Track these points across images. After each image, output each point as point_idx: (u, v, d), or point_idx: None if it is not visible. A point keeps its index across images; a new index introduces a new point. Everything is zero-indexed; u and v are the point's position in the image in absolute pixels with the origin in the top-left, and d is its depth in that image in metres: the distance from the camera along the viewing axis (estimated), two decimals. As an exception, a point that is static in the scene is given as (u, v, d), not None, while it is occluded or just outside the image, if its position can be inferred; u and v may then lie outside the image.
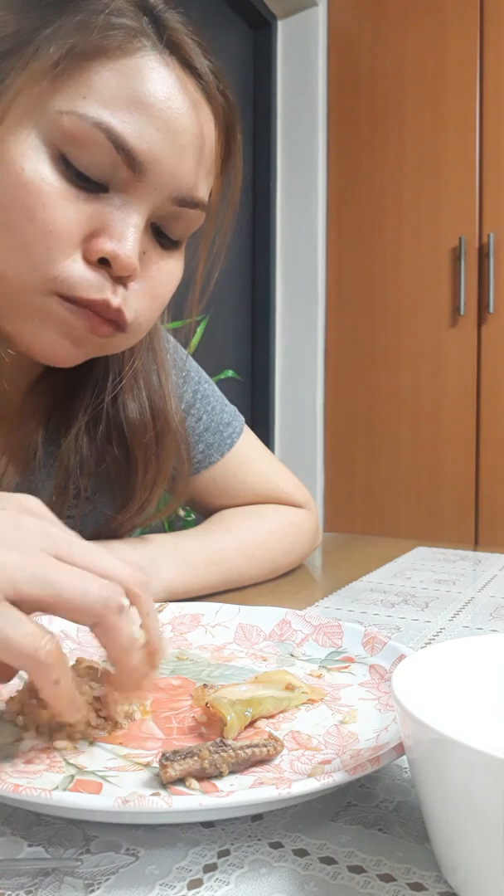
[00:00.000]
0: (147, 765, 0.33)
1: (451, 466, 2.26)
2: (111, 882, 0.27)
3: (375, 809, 0.32)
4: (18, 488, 0.64)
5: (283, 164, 2.52)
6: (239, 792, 0.28)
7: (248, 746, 0.32)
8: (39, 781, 0.32)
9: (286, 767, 0.33)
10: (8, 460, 0.63)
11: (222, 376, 1.86)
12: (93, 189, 0.49)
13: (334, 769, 0.30)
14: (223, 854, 0.28)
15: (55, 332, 0.51)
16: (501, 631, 0.59)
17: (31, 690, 0.38)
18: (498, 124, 2.18)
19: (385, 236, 2.36)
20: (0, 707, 0.39)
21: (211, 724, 0.37)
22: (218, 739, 0.33)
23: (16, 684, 0.41)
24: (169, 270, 0.55)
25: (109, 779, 0.32)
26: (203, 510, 0.81)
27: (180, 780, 0.31)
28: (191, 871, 0.27)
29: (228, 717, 0.35)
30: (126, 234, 0.49)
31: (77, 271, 0.49)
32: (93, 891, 0.26)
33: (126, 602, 0.35)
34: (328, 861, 0.28)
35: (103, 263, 0.49)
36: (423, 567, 0.83)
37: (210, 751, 0.31)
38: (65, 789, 0.31)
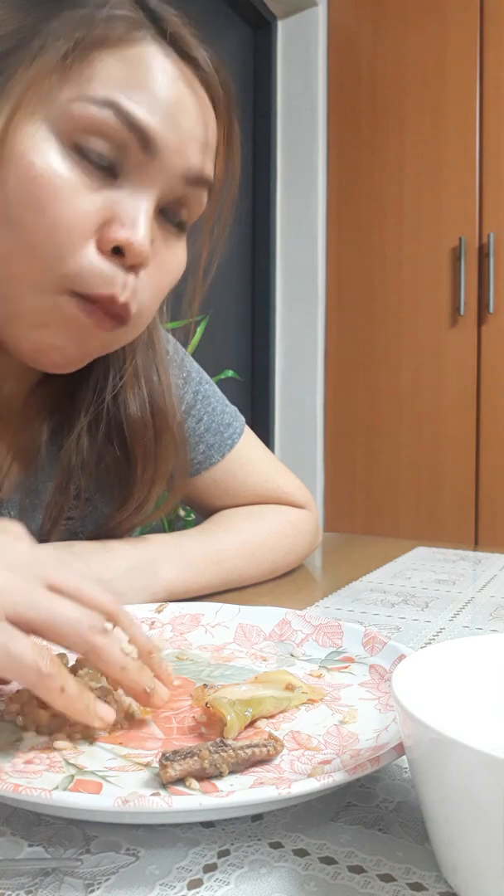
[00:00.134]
0: (147, 765, 0.33)
1: (451, 466, 2.26)
2: (111, 882, 0.27)
3: (375, 809, 0.32)
4: (20, 488, 0.64)
5: (283, 164, 2.52)
6: (239, 792, 0.28)
7: (248, 746, 0.32)
8: (39, 781, 0.32)
9: (286, 767, 0.33)
10: (12, 459, 0.63)
11: (222, 376, 1.86)
12: (103, 177, 0.49)
13: (334, 769, 0.30)
14: (223, 854, 0.28)
15: (61, 333, 0.51)
16: (501, 631, 0.59)
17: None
18: (498, 124, 2.18)
19: (385, 236, 2.36)
20: (0, 707, 0.39)
21: (211, 724, 0.37)
22: (218, 739, 0.33)
23: (16, 684, 0.41)
24: (175, 259, 0.56)
25: (109, 779, 0.32)
26: (203, 510, 0.81)
27: (180, 780, 0.31)
28: (191, 871, 0.27)
29: (228, 717, 0.35)
30: (138, 220, 0.50)
31: (90, 263, 0.49)
32: (93, 891, 0.26)
33: (109, 626, 0.37)
34: (328, 861, 0.28)
35: (116, 253, 0.50)
36: (423, 567, 0.83)
37: (210, 751, 0.31)
38: (65, 789, 0.31)
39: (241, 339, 2.51)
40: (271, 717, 0.38)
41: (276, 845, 0.29)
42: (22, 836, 0.29)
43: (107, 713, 0.36)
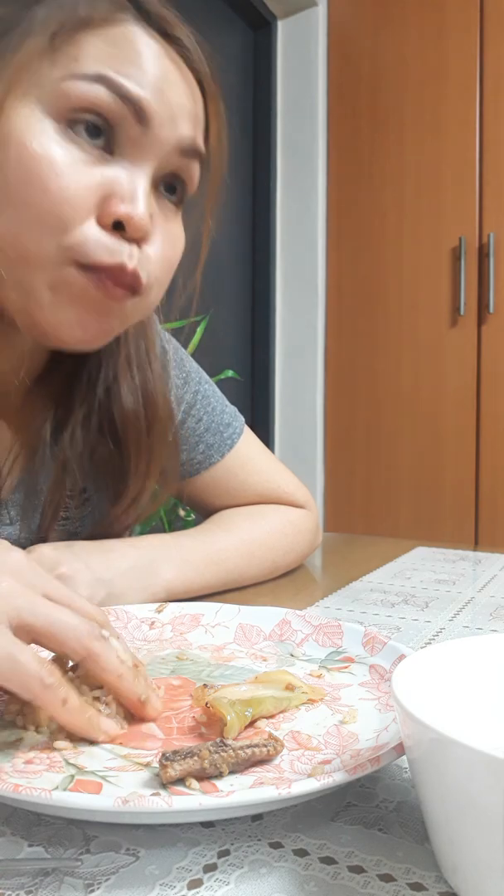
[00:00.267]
0: (147, 765, 0.33)
1: (451, 466, 2.26)
2: (111, 882, 0.27)
3: (375, 809, 0.32)
4: (21, 488, 0.64)
5: (283, 164, 2.52)
6: (239, 792, 0.28)
7: (248, 746, 0.32)
8: (39, 781, 0.32)
9: (286, 767, 0.33)
10: (14, 458, 0.63)
11: (222, 376, 1.86)
12: (99, 155, 0.50)
13: (334, 769, 0.30)
14: (223, 854, 0.28)
15: (75, 308, 0.51)
16: (501, 631, 0.59)
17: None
18: (498, 124, 2.18)
19: (385, 236, 2.36)
20: (0, 707, 0.39)
21: (211, 724, 0.37)
22: (218, 739, 0.33)
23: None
24: (175, 233, 0.56)
25: (109, 779, 0.32)
26: (203, 510, 0.81)
27: (180, 780, 0.31)
28: (191, 871, 0.27)
29: (228, 717, 0.35)
30: (136, 195, 0.50)
31: (93, 236, 0.49)
32: (93, 891, 0.26)
33: (106, 634, 0.38)
34: (328, 861, 0.28)
35: (117, 229, 0.50)
36: (423, 567, 0.83)
37: (210, 751, 0.31)
38: (65, 789, 0.31)
39: (241, 339, 2.51)
40: (271, 717, 0.38)
41: (276, 845, 0.29)
42: (22, 836, 0.29)
43: (110, 727, 0.36)
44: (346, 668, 0.45)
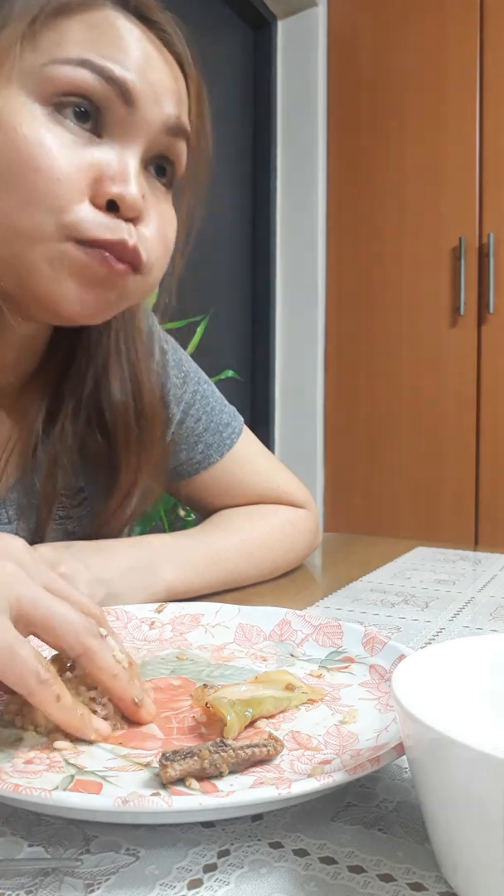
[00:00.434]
0: (147, 765, 0.33)
1: (451, 466, 2.26)
2: (111, 882, 0.27)
3: (375, 809, 0.32)
4: (18, 487, 0.64)
5: (283, 164, 2.52)
6: (239, 792, 0.28)
7: (248, 746, 0.32)
8: (39, 781, 0.32)
9: (286, 767, 0.33)
10: (9, 455, 0.63)
11: (222, 376, 1.86)
12: (88, 137, 0.50)
13: (334, 769, 0.30)
14: (223, 854, 0.28)
15: (76, 282, 0.51)
16: (501, 631, 0.59)
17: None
18: (498, 124, 2.18)
19: (385, 236, 2.36)
20: None
21: (211, 724, 0.37)
22: (218, 739, 0.33)
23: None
24: (167, 214, 0.56)
25: (109, 779, 0.32)
26: (203, 510, 0.81)
27: (180, 780, 0.31)
28: (191, 871, 0.27)
29: (228, 717, 0.35)
30: (127, 175, 0.51)
31: (90, 215, 0.50)
32: (93, 891, 0.26)
33: (104, 632, 0.38)
34: (328, 861, 0.28)
35: (111, 209, 0.50)
36: (423, 567, 0.83)
37: (210, 751, 0.31)
38: (65, 789, 0.31)
39: (241, 339, 2.51)
40: (271, 717, 0.38)
41: (276, 845, 0.29)
42: (22, 836, 0.29)
43: (102, 726, 0.36)
44: (346, 668, 0.45)
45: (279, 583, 0.75)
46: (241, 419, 0.82)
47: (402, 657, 0.43)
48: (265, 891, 0.26)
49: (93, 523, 0.68)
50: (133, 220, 0.52)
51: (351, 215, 2.43)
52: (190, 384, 0.76)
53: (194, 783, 0.31)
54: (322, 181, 2.47)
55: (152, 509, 1.53)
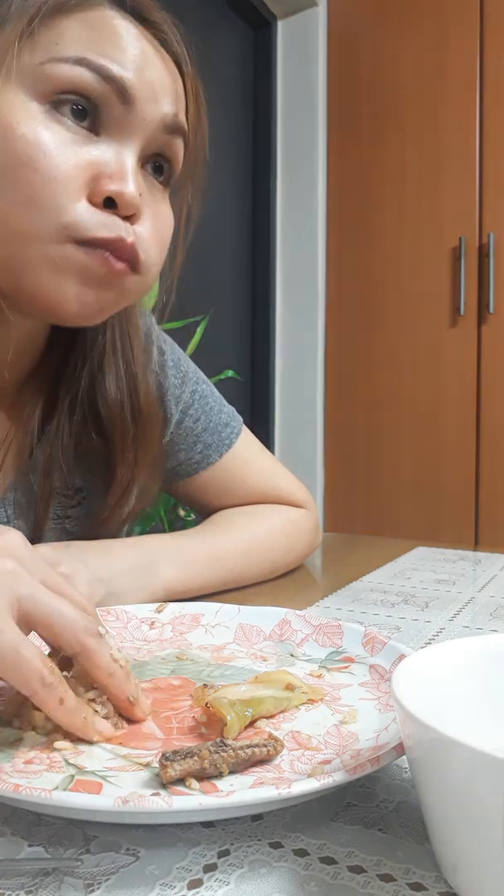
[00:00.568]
0: (147, 765, 0.33)
1: (451, 466, 2.26)
2: (111, 882, 0.27)
3: (375, 809, 0.32)
4: (16, 486, 0.64)
5: (283, 164, 2.52)
6: (239, 792, 0.28)
7: (248, 746, 0.32)
8: (39, 781, 0.32)
9: (286, 767, 0.33)
10: (7, 447, 0.63)
11: (222, 376, 1.86)
12: (85, 135, 0.51)
13: (334, 769, 0.30)
14: (223, 854, 0.28)
15: (75, 282, 0.51)
16: (501, 631, 0.59)
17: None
18: (498, 124, 2.18)
19: (385, 236, 2.36)
20: None
21: (211, 724, 0.37)
22: (218, 739, 0.33)
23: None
24: (164, 212, 0.57)
25: (109, 779, 0.32)
26: (203, 510, 0.81)
27: (180, 780, 0.31)
28: (191, 871, 0.27)
29: (228, 717, 0.35)
30: (125, 173, 0.51)
31: (87, 214, 0.50)
32: (93, 891, 0.26)
33: (102, 630, 0.38)
34: (328, 861, 0.28)
35: (108, 207, 0.50)
36: (423, 567, 0.83)
37: (210, 751, 0.31)
38: (65, 789, 0.31)
39: (241, 339, 2.51)
40: (271, 717, 0.38)
41: (276, 845, 0.29)
42: (22, 836, 0.29)
43: (105, 728, 0.36)
44: (346, 668, 0.45)
45: (279, 583, 0.75)
46: (241, 419, 0.82)
47: (402, 657, 0.43)
48: (265, 891, 0.26)
49: (91, 522, 0.68)
50: (130, 217, 0.52)
51: (351, 215, 2.43)
52: (188, 384, 0.76)
53: (194, 783, 0.31)
54: (322, 181, 2.47)
55: (152, 509, 1.54)
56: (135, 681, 0.39)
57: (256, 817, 0.31)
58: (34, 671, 0.33)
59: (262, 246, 2.53)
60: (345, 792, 0.33)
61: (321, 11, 2.45)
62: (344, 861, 0.28)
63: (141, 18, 0.53)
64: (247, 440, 0.81)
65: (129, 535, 0.74)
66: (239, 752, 0.32)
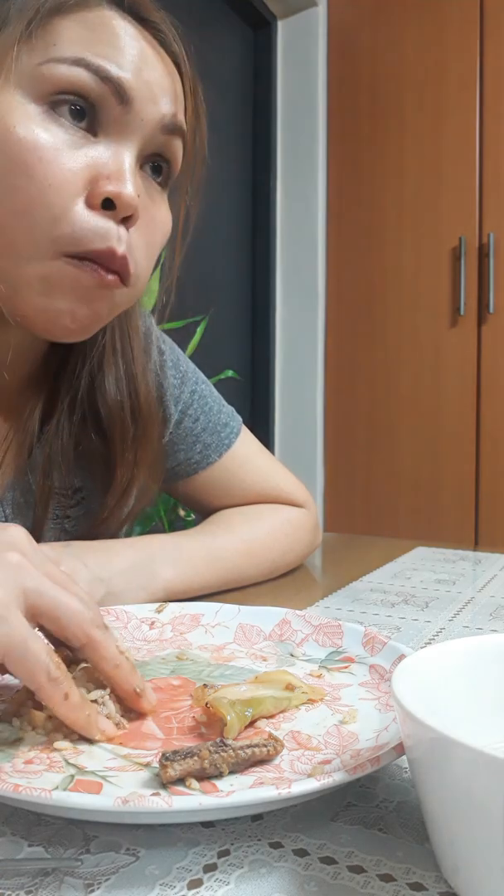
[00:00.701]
0: (147, 765, 0.33)
1: (451, 466, 2.26)
2: (111, 882, 0.27)
3: (375, 809, 0.32)
4: (15, 486, 0.64)
5: (283, 164, 2.52)
6: (239, 792, 0.28)
7: (248, 746, 0.32)
8: (39, 781, 0.32)
9: (286, 767, 0.33)
10: (6, 447, 0.63)
11: (222, 376, 1.86)
12: (83, 136, 0.50)
13: (334, 769, 0.30)
14: (223, 854, 0.28)
15: (67, 297, 0.51)
16: (501, 631, 0.59)
17: (28, 691, 0.38)
18: (498, 124, 2.18)
19: (385, 236, 2.37)
20: None
21: (211, 724, 0.37)
22: (218, 739, 0.33)
23: (13, 685, 0.41)
24: (161, 216, 0.57)
25: (109, 779, 0.32)
26: (202, 510, 0.81)
27: (180, 780, 0.31)
28: (191, 871, 0.27)
29: (228, 717, 0.35)
30: (123, 174, 0.51)
31: (81, 220, 0.50)
32: (93, 891, 0.26)
33: (108, 622, 0.38)
34: (328, 861, 0.28)
35: (106, 208, 0.50)
36: (423, 567, 0.83)
37: (210, 751, 0.31)
38: (65, 789, 0.31)
39: (241, 339, 2.51)
40: (271, 717, 0.38)
41: (276, 845, 0.29)
42: (22, 836, 0.29)
43: (108, 727, 0.36)
44: (346, 668, 0.45)
45: (279, 583, 0.75)
46: (240, 419, 0.82)
47: (402, 657, 0.43)
48: (265, 891, 0.26)
49: (90, 522, 0.68)
50: (128, 219, 0.52)
51: (351, 215, 2.43)
52: (188, 384, 0.76)
53: (194, 783, 0.31)
54: (322, 181, 2.47)
55: (152, 509, 1.53)
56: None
57: (256, 817, 0.31)
58: (41, 665, 0.33)
59: (262, 246, 2.53)
60: (345, 792, 0.33)
61: (321, 11, 2.45)
62: (344, 861, 0.28)
63: (139, 18, 0.53)
64: (246, 440, 0.81)
65: (128, 535, 0.74)
66: (239, 752, 0.32)
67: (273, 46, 2.51)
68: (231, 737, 0.35)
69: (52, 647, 0.35)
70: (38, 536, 0.64)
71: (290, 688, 0.40)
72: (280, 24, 2.52)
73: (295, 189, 2.50)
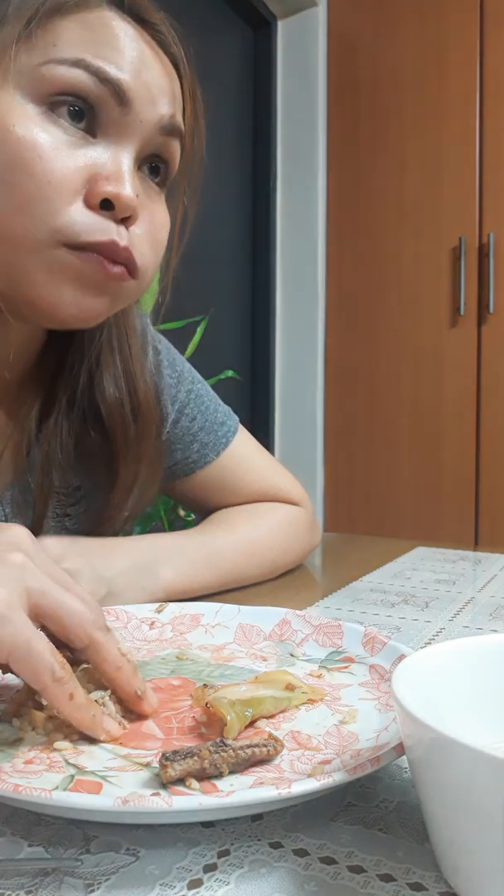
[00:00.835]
0: (147, 765, 0.33)
1: (451, 466, 2.26)
2: (111, 882, 0.27)
3: (375, 809, 0.32)
4: (14, 485, 0.64)
5: (283, 164, 2.52)
6: (239, 792, 0.28)
7: (248, 746, 0.32)
8: (39, 781, 0.32)
9: (286, 767, 0.33)
10: (4, 446, 0.63)
11: (222, 376, 1.86)
12: (82, 137, 0.50)
13: (334, 769, 0.30)
14: (223, 854, 0.28)
15: (72, 287, 0.51)
16: (501, 631, 0.59)
17: (28, 691, 0.38)
18: (498, 124, 2.18)
19: (385, 236, 2.36)
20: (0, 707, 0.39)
21: (211, 724, 0.37)
22: (218, 739, 0.33)
23: (14, 685, 0.41)
24: (160, 215, 0.57)
25: (109, 779, 0.32)
26: (201, 510, 0.81)
27: (180, 780, 0.31)
28: (191, 871, 0.27)
29: (228, 717, 0.35)
30: (122, 175, 0.51)
31: (80, 218, 0.50)
32: (93, 891, 0.26)
33: (110, 624, 0.38)
34: (328, 861, 0.28)
35: (105, 208, 0.50)
36: (423, 567, 0.83)
37: (210, 751, 0.31)
38: (65, 789, 0.31)
39: (241, 339, 2.51)
40: (271, 717, 0.38)
41: (276, 845, 0.29)
42: (22, 836, 0.29)
43: (112, 727, 0.36)
44: (346, 668, 0.45)
45: (279, 583, 0.75)
46: (237, 418, 0.82)
47: (402, 657, 0.43)
48: (265, 891, 0.26)
49: (92, 520, 0.68)
50: (127, 220, 0.52)
51: (351, 215, 2.43)
52: (184, 384, 0.76)
53: (194, 783, 0.31)
54: (322, 181, 2.47)
55: (152, 509, 1.53)
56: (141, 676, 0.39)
57: (256, 817, 0.31)
58: (46, 665, 0.33)
59: (262, 246, 2.53)
60: (345, 792, 0.33)
61: (321, 11, 2.45)
62: (344, 861, 0.28)
63: (139, 19, 0.53)
64: (243, 439, 0.81)
65: (128, 535, 0.74)
66: (239, 752, 0.32)
67: (273, 46, 2.50)
68: (231, 737, 0.35)
69: (55, 648, 0.35)
70: (39, 535, 0.64)
71: (290, 688, 0.40)
72: (280, 25, 2.51)
73: (295, 189, 2.50)
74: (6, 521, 0.64)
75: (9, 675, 0.38)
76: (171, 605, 0.56)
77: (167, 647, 0.51)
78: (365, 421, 2.40)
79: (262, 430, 2.49)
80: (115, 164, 0.51)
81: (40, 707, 0.37)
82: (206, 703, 0.36)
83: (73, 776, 0.32)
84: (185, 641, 0.52)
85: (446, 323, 2.26)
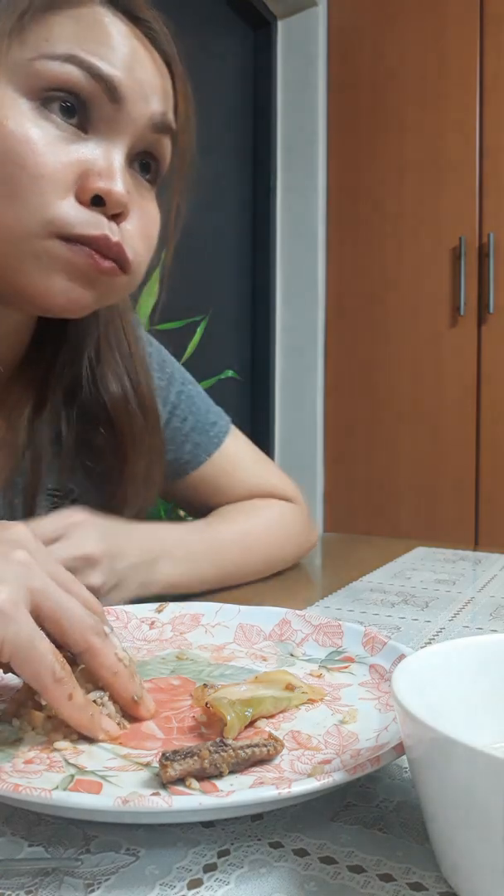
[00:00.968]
0: (147, 765, 0.33)
1: (451, 466, 2.26)
2: (111, 882, 0.27)
3: (375, 809, 0.32)
4: (11, 484, 0.64)
5: (283, 164, 2.52)
6: (239, 792, 0.28)
7: (248, 746, 0.32)
8: (39, 781, 0.32)
9: (286, 767, 0.33)
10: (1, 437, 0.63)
11: (222, 376, 1.86)
12: (74, 133, 0.51)
13: (334, 769, 0.30)
14: (223, 854, 0.28)
15: (63, 277, 0.52)
16: (501, 631, 0.59)
17: (28, 691, 0.38)
18: (498, 124, 2.18)
19: (385, 236, 2.36)
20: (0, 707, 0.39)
21: (211, 724, 0.37)
22: (218, 739, 0.33)
23: (13, 685, 0.41)
24: (151, 211, 0.57)
25: (109, 779, 0.32)
26: (197, 510, 0.81)
27: (180, 780, 0.31)
28: (191, 870, 0.27)
29: (228, 717, 0.35)
30: (113, 171, 0.51)
31: (72, 212, 0.50)
32: (93, 891, 0.26)
33: (107, 629, 0.38)
34: (328, 861, 0.28)
35: (96, 204, 0.50)
36: (423, 567, 0.83)
37: (210, 751, 0.31)
38: (65, 789, 0.31)
39: (241, 339, 2.51)
40: (271, 717, 0.38)
41: (276, 845, 0.29)
42: (22, 836, 0.29)
43: (111, 727, 0.36)
44: (346, 668, 0.45)
45: (279, 583, 0.75)
46: (228, 418, 0.82)
47: (402, 657, 0.43)
48: (265, 891, 0.26)
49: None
50: (118, 216, 0.52)
51: (351, 215, 2.43)
52: (174, 385, 0.76)
53: (194, 783, 0.31)
54: (322, 181, 2.47)
55: (152, 508, 1.53)
56: (139, 680, 0.39)
57: (256, 817, 0.31)
58: (47, 665, 0.33)
59: (262, 246, 2.53)
60: (345, 792, 0.33)
61: (321, 11, 2.45)
62: (344, 861, 0.28)
63: (131, 16, 0.53)
64: (236, 438, 0.81)
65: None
66: (239, 752, 0.32)
67: (273, 46, 2.50)
68: (231, 737, 0.35)
69: (56, 648, 0.35)
70: None
71: (290, 688, 0.40)
72: (280, 25, 2.51)
73: (295, 189, 2.50)
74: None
75: (9, 675, 0.38)
76: (172, 604, 0.56)
77: (167, 646, 0.51)
78: (365, 421, 2.40)
79: (262, 430, 2.49)
80: (107, 160, 0.51)
81: (40, 707, 0.37)
82: (206, 703, 0.36)
83: (73, 776, 0.32)
84: (185, 641, 0.52)
85: (446, 323, 2.26)
